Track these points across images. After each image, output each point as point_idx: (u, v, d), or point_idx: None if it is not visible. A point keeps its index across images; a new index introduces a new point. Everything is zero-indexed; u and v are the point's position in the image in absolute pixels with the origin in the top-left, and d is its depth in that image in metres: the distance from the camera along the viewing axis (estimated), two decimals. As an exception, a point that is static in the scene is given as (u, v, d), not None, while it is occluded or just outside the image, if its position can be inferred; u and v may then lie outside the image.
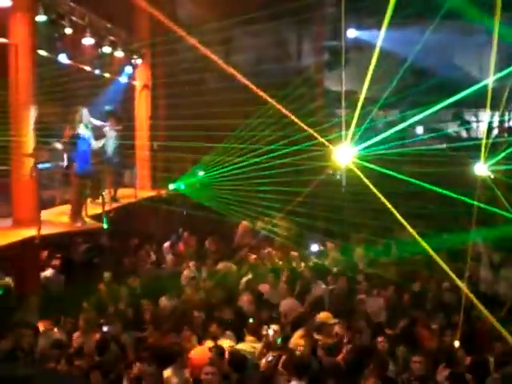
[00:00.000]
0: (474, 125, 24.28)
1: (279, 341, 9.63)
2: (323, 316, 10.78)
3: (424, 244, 6.11)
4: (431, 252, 6.11)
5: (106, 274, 13.70)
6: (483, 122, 22.40)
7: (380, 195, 6.24)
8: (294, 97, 15.28)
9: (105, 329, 10.52)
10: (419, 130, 24.17)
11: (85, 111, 13.17)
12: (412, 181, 7.73)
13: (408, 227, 6.11)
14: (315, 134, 7.70)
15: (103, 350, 9.40)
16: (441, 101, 6.93)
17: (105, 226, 13.48)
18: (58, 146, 13.28)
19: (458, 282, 7.47)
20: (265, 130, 15.16)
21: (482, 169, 8.99)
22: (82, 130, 13.03)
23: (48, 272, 13.83)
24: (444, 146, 20.13)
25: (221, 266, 14.83)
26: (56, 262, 14.40)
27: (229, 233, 18.84)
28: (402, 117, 19.51)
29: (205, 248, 17.43)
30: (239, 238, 18.34)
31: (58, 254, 14.72)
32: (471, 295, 7.01)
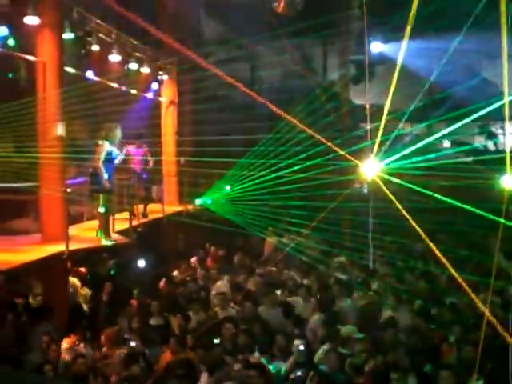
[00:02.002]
0: (501, 137, 24.07)
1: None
2: (348, 330, 10.72)
3: (446, 262, 6.06)
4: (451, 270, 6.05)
5: (135, 290, 13.74)
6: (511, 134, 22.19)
7: (403, 210, 6.21)
8: (319, 111, 15.29)
9: (132, 344, 10.52)
10: (446, 143, 24.01)
11: (119, 131, 13.29)
12: (436, 196, 7.67)
13: (431, 245, 6.06)
14: (337, 149, 7.67)
15: (130, 365, 9.41)
16: (467, 114, 6.89)
17: (108, 243, 13.44)
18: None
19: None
20: (291, 144, 15.15)
21: (509, 182, 8.89)
22: (114, 148, 13.17)
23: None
24: (470, 159, 19.97)
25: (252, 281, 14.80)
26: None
27: (255, 248, 18.83)
28: (428, 130, 19.42)
29: (233, 263, 17.43)
30: (267, 253, 18.31)
31: (84, 269, 14.77)
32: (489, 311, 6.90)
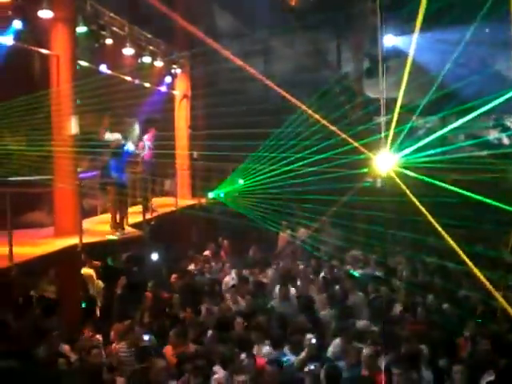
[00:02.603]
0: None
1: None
2: (362, 324, 10.70)
3: (462, 254, 6.02)
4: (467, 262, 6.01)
5: (150, 283, 13.77)
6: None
7: (418, 203, 6.17)
8: (333, 104, 15.23)
9: (146, 337, 10.53)
10: (460, 137, 23.84)
11: (136, 127, 13.40)
12: (450, 189, 7.62)
13: (446, 237, 6.02)
14: (351, 141, 7.65)
15: (143, 359, 9.43)
16: (480, 106, 6.84)
17: (113, 237, 13.48)
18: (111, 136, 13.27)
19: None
20: (304, 138, 15.11)
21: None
22: (129, 144, 13.25)
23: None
24: (484, 153, 19.85)
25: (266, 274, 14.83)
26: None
27: (268, 241, 18.83)
28: (442, 124, 19.30)
29: (247, 256, 17.45)
30: (281, 247, 18.32)
31: (98, 262, 14.83)
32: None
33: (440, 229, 6.09)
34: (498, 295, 8.10)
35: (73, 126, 12.59)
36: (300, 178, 14.90)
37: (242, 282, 13.88)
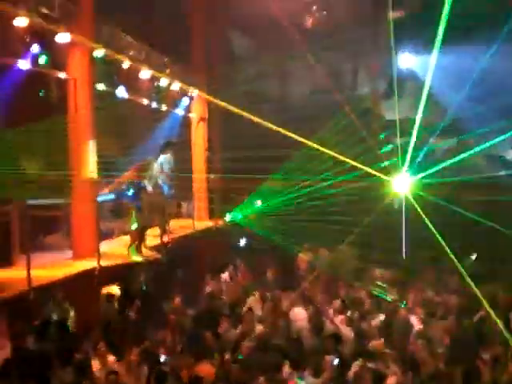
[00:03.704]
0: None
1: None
2: (376, 344, 10.63)
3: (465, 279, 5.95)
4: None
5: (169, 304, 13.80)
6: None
7: (431, 226, 6.14)
8: (350, 126, 15.23)
9: (162, 359, 10.52)
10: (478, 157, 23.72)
11: (156, 165, 13.56)
12: (463, 212, 7.57)
13: (455, 261, 5.98)
14: (364, 168, 7.63)
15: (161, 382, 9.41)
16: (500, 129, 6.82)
17: (138, 259, 13.57)
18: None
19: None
20: (321, 160, 15.11)
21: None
22: (147, 183, 13.41)
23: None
24: (503, 173, 19.71)
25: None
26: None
27: (287, 263, 18.75)
28: (459, 144, 19.24)
29: (265, 278, 17.39)
30: (301, 269, 18.21)
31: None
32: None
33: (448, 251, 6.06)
34: None
35: (90, 150, 12.66)
36: (318, 200, 14.89)
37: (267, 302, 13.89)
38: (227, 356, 10.49)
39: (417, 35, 17.75)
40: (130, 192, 13.51)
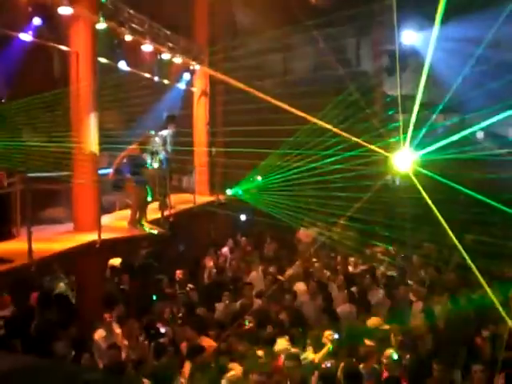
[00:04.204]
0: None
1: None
2: (374, 321, 10.69)
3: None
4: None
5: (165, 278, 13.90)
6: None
7: (431, 204, 6.14)
8: (353, 102, 15.20)
9: (162, 330, 10.61)
10: (479, 135, 23.71)
11: (156, 139, 13.55)
12: (465, 190, 7.56)
13: (453, 237, 5.99)
14: (364, 143, 7.62)
15: (160, 355, 9.49)
16: (503, 107, 6.80)
17: (154, 231, 13.63)
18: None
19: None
20: (323, 135, 15.09)
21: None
22: (147, 157, 13.41)
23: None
24: (504, 151, 19.70)
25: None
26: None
27: (287, 238, 18.81)
28: (462, 122, 19.22)
29: (264, 253, 17.48)
30: (302, 244, 18.26)
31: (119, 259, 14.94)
32: None
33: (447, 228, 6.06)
34: None
35: (92, 123, 12.65)
36: (320, 176, 14.88)
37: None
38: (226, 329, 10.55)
39: (420, 10, 17.62)
40: (132, 166, 13.47)
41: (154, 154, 13.92)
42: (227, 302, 12.51)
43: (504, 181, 14.01)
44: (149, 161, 13.70)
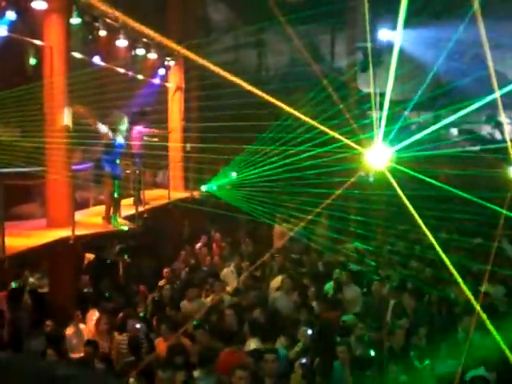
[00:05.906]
0: (509, 127, 23.92)
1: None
2: (348, 319, 10.77)
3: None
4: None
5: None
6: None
7: (405, 199, 6.17)
8: (326, 98, 15.22)
9: (137, 325, 10.59)
10: (453, 132, 23.92)
11: (125, 119, 13.38)
12: (439, 185, 7.63)
13: (428, 233, 6.04)
14: (340, 137, 7.66)
15: (136, 349, 9.49)
16: (475, 102, 6.85)
17: (125, 228, 13.58)
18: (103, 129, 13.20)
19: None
20: (296, 131, 15.13)
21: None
22: (119, 137, 13.21)
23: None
24: (478, 148, 19.90)
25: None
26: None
27: (261, 234, 18.85)
28: (435, 118, 19.35)
29: (240, 249, 17.48)
30: (277, 241, 18.28)
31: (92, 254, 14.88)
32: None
33: (422, 224, 6.11)
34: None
35: (65, 117, 12.57)
36: (294, 172, 14.91)
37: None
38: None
39: (395, 7, 17.70)
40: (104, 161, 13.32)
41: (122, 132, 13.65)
42: (193, 298, 12.35)
43: (477, 177, 14.13)
44: (122, 141, 13.47)
